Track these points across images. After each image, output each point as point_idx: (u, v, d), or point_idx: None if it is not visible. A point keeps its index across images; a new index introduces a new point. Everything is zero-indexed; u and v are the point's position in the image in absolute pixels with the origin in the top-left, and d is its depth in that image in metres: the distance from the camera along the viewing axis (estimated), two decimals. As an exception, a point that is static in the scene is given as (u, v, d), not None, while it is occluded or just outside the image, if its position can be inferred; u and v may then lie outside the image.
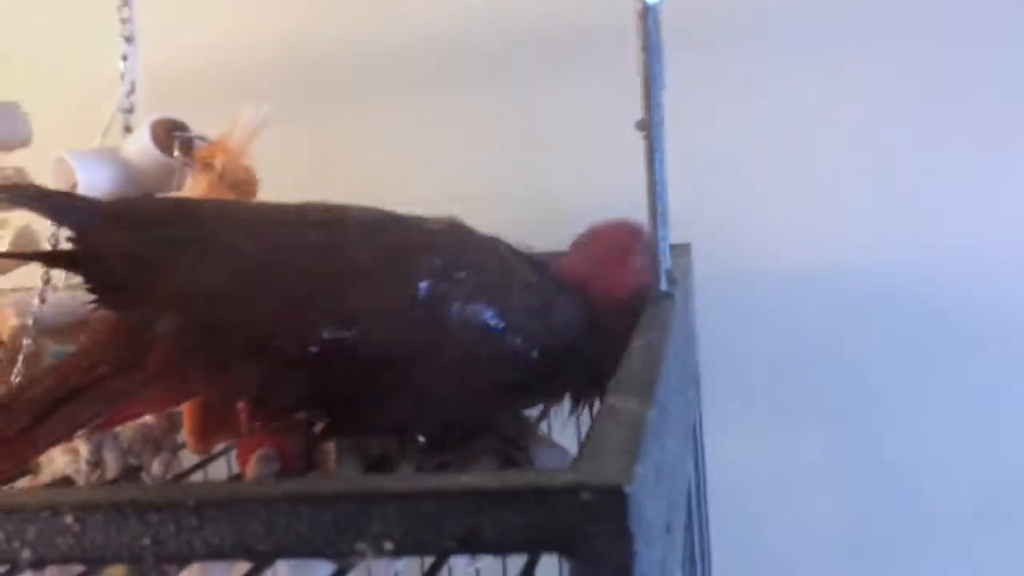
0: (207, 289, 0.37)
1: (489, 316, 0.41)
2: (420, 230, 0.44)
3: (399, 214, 0.45)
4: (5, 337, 0.50)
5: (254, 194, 0.51)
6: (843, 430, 0.92)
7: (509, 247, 0.48)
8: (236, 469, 0.48)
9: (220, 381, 0.40)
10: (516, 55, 0.92)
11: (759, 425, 0.94)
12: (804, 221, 0.90)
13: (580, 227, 0.90)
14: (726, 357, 0.92)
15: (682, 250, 0.84)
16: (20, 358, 0.48)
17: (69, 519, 0.21)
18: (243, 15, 0.96)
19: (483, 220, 0.52)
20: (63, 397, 0.37)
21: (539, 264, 0.49)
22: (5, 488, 0.35)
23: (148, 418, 0.49)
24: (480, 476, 0.20)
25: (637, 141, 0.51)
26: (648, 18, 0.45)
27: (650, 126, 0.46)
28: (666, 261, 0.49)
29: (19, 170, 0.54)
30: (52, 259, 0.42)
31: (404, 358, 0.39)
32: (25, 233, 0.54)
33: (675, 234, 0.83)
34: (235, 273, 0.38)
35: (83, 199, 0.40)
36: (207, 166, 0.48)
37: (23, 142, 0.55)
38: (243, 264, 0.38)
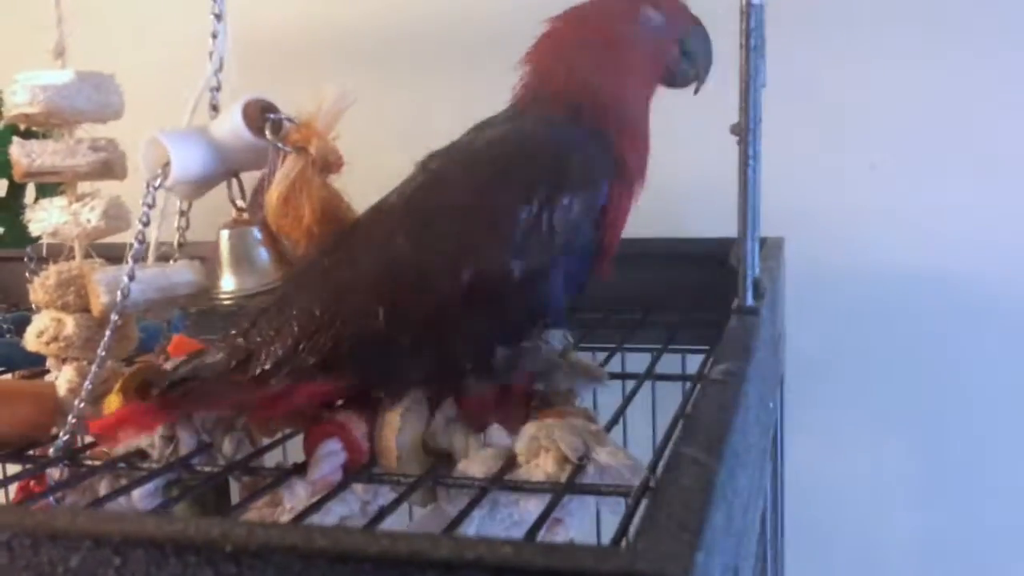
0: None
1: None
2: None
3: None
4: (96, 312, 0.51)
5: (340, 172, 0.51)
6: (931, 443, 0.88)
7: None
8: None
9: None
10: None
11: (844, 429, 0.91)
12: (905, 220, 0.86)
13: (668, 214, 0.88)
14: (814, 356, 0.89)
15: (774, 244, 0.81)
16: (107, 334, 0.49)
17: (110, 551, 0.20)
18: None
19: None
20: None
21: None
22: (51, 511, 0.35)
23: (221, 397, 0.50)
24: (527, 548, 0.19)
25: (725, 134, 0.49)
26: (751, 16, 0.43)
27: (746, 129, 0.44)
28: (754, 270, 0.47)
29: (111, 141, 0.55)
30: None
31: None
32: (115, 204, 0.55)
33: (767, 227, 0.81)
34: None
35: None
36: (300, 150, 0.48)
37: (116, 114, 0.55)
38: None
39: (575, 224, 0.44)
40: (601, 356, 0.68)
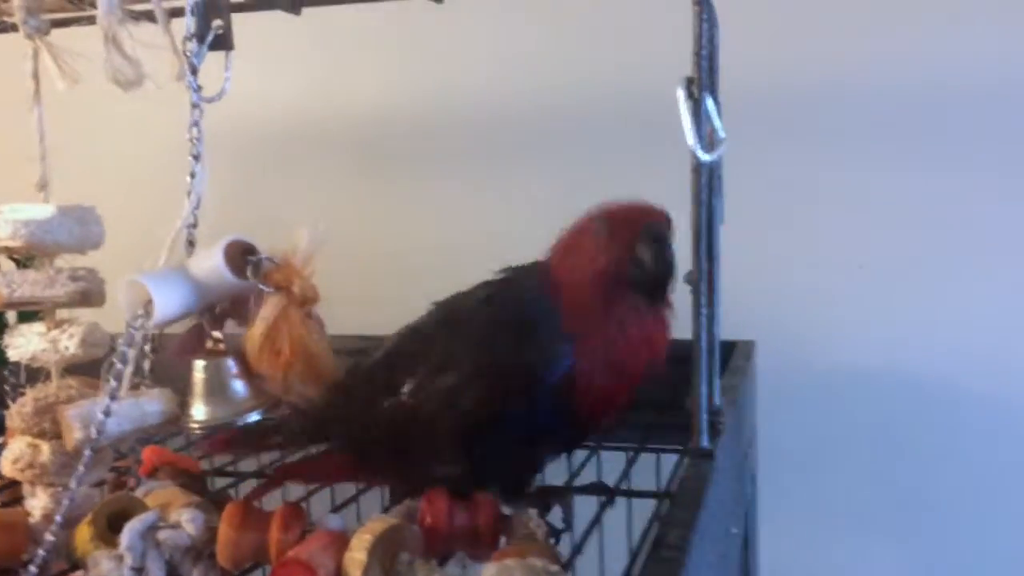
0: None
1: None
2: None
3: None
4: (70, 447, 0.52)
5: (316, 300, 0.53)
6: (906, 540, 0.89)
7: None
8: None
9: None
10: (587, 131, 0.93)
11: (818, 527, 0.91)
12: (880, 321, 0.88)
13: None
14: (790, 453, 0.90)
15: (745, 348, 0.83)
16: (80, 468, 0.50)
17: None
18: (316, 78, 1.00)
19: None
20: None
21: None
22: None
23: (190, 530, 0.51)
24: None
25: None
26: (701, 175, 0.45)
27: (698, 281, 0.46)
28: (705, 413, 0.48)
29: (91, 271, 0.57)
30: None
31: None
32: (93, 331, 0.57)
33: (741, 331, 0.82)
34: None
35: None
36: (282, 289, 0.50)
37: (95, 245, 0.57)
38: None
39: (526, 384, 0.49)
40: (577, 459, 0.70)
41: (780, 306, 0.90)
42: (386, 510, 0.58)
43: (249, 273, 0.51)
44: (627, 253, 0.51)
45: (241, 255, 0.51)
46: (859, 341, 0.89)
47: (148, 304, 0.50)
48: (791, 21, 0.87)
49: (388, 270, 0.99)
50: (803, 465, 0.90)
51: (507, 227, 0.96)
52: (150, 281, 0.49)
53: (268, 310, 0.51)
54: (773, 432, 0.89)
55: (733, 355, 0.78)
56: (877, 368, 0.89)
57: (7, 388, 0.66)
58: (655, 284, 0.51)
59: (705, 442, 0.46)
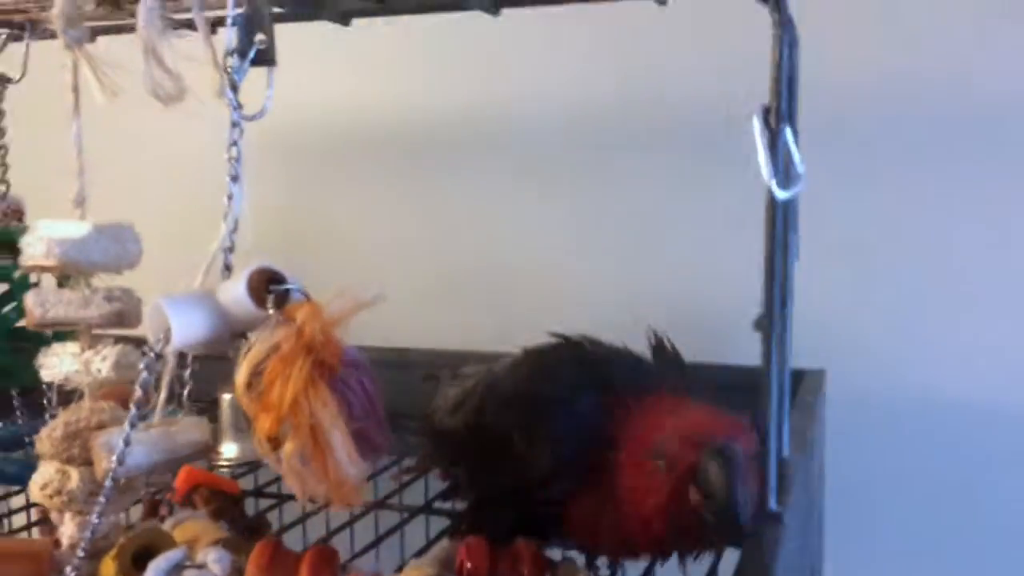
0: None
1: None
2: None
3: None
4: (99, 476, 0.50)
5: (334, 361, 0.45)
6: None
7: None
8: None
9: None
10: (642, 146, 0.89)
11: (888, 567, 0.86)
12: (952, 352, 0.83)
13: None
14: (857, 489, 0.85)
15: (815, 377, 0.78)
16: (101, 499, 0.48)
17: None
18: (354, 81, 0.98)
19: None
20: None
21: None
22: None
23: (217, 571, 0.48)
24: None
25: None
26: (777, 212, 0.40)
27: (769, 327, 0.41)
28: (774, 470, 0.43)
29: (127, 291, 0.55)
30: None
31: None
32: (126, 354, 0.55)
33: (810, 359, 0.78)
34: None
35: None
36: (290, 320, 0.45)
37: (131, 264, 0.55)
38: None
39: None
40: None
41: (849, 333, 0.86)
42: (420, 552, 0.55)
43: (269, 305, 0.46)
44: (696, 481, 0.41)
45: (264, 284, 0.47)
46: (930, 371, 0.84)
47: (168, 331, 0.47)
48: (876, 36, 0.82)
49: (437, 279, 0.97)
50: (870, 496, 0.86)
51: (557, 238, 0.94)
52: (170, 306, 0.46)
53: (266, 341, 0.44)
54: (841, 467, 0.84)
55: (801, 387, 0.74)
56: (954, 399, 0.84)
57: (45, 401, 0.65)
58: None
59: (773, 504, 0.42)
